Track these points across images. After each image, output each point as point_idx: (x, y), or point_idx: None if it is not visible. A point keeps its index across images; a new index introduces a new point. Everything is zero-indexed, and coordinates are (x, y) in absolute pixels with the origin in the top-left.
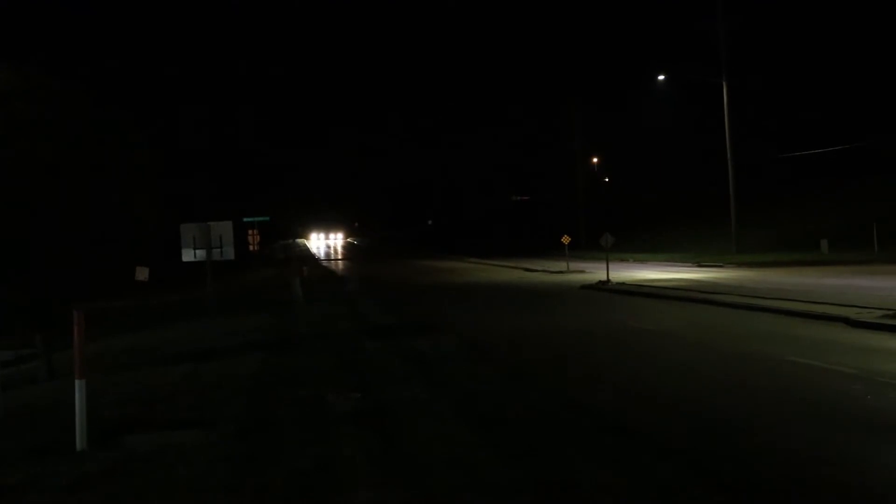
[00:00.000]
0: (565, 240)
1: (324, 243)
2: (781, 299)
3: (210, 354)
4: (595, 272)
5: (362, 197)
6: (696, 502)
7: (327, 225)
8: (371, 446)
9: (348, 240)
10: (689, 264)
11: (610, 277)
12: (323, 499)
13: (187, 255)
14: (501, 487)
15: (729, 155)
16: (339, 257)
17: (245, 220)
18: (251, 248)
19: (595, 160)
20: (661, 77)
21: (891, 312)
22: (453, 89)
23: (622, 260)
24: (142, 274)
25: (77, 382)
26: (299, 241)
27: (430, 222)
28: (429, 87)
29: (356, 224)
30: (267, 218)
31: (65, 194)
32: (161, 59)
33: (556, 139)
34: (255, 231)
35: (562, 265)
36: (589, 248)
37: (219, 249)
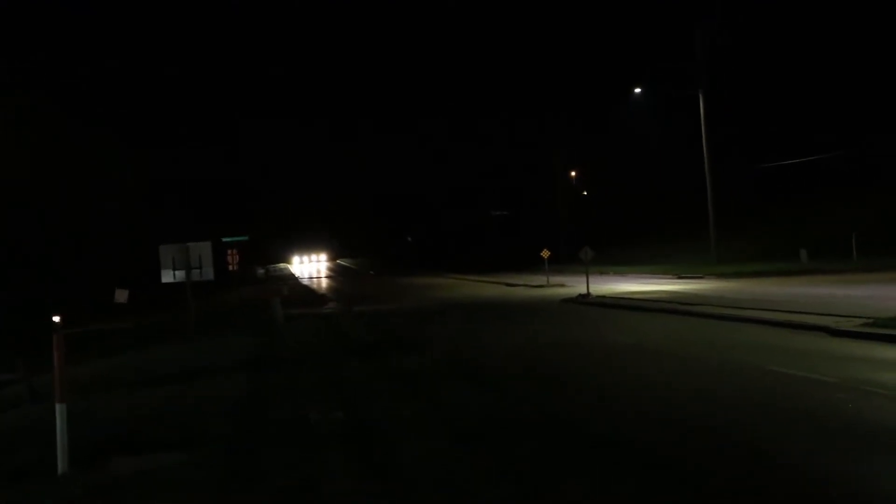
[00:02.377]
0: (545, 254)
1: (307, 266)
2: (762, 309)
3: (194, 375)
4: (575, 285)
5: (341, 215)
6: None
7: (309, 246)
8: (356, 466)
9: (337, 261)
10: (669, 276)
11: (590, 290)
12: None
13: (166, 277)
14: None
15: (706, 166)
16: (321, 276)
17: (224, 239)
18: (231, 267)
19: (573, 173)
20: (637, 90)
21: (870, 321)
22: (431, 103)
23: (602, 273)
24: (121, 296)
25: (58, 406)
26: (281, 265)
27: (409, 238)
28: (405, 102)
29: (336, 242)
30: (246, 237)
31: (65, 202)
32: (148, 70)
33: (536, 153)
34: (235, 251)
35: (542, 279)
36: (569, 261)
37: (198, 270)
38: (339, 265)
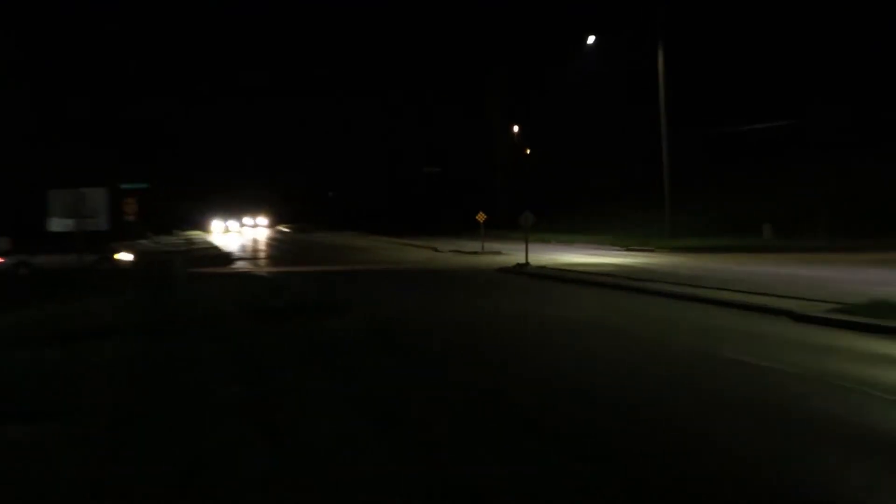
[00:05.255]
0: (480, 217)
1: (235, 236)
2: (718, 289)
3: (80, 337)
4: (513, 254)
5: (267, 180)
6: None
7: (239, 210)
8: (256, 442)
9: (277, 228)
10: (618, 247)
11: (529, 260)
12: (198, 501)
13: (55, 225)
14: (401, 487)
15: (663, 130)
16: (241, 240)
17: (122, 186)
18: (129, 217)
19: (516, 129)
20: (590, 39)
21: (838, 306)
22: (364, 53)
23: (544, 241)
24: (4, 245)
25: None
26: (194, 232)
27: (330, 194)
28: (335, 53)
29: (259, 206)
30: (146, 185)
31: None
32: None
33: (476, 110)
34: (132, 199)
35: (476, 245)
36: (508, 227)
37: (91, 219)
38: (278, 231)
